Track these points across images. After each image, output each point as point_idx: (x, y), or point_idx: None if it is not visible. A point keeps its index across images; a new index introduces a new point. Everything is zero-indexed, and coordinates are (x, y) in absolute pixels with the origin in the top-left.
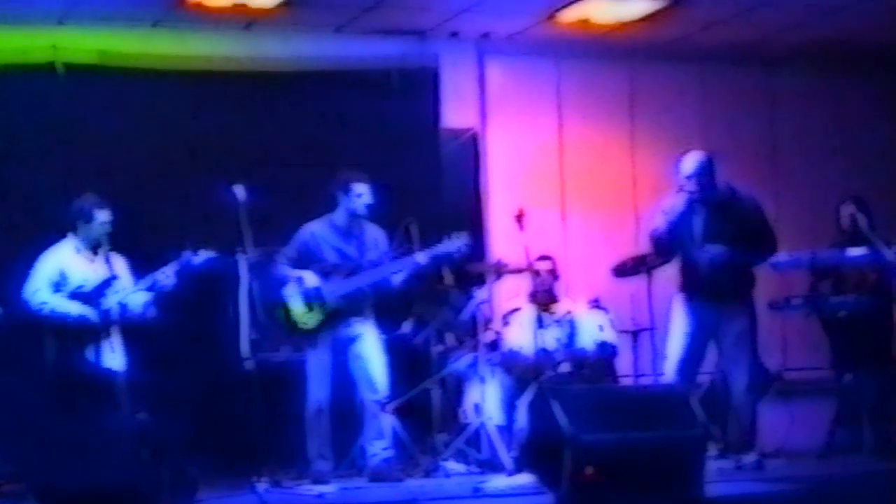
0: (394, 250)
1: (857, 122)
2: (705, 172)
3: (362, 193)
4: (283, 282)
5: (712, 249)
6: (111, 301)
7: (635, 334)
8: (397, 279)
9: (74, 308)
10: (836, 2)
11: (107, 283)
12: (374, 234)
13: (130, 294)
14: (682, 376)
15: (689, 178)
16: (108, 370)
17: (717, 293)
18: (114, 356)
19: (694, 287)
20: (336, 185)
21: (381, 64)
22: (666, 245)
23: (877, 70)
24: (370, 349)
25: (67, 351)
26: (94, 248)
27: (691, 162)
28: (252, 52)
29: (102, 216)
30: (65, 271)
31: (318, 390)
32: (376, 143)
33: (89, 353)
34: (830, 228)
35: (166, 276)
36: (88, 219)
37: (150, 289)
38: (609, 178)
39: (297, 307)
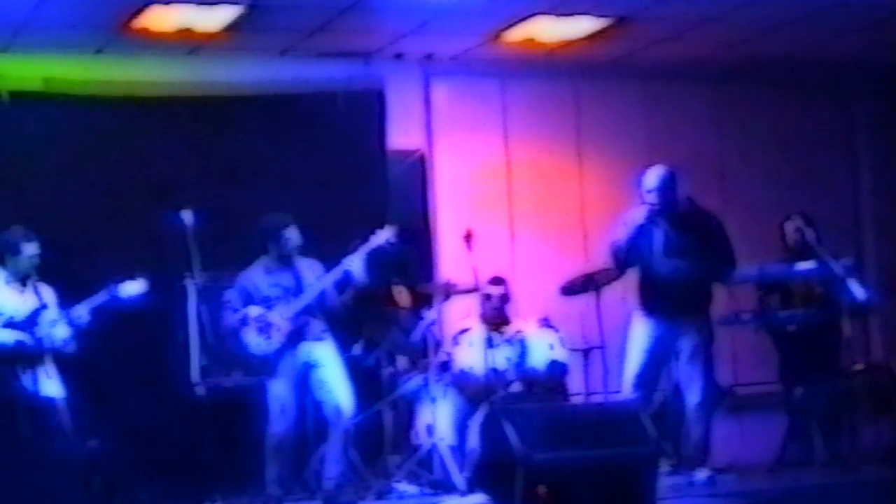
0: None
1: (802, 137)
2: (667, 186)
3: (290, 237)
4: (235, 327)
5: (672, 263)
6: (42, 331)
7: (586, 352)
8: (339, 291)
9: (8, 336)
10: (779, 20)
11: (37, 314)
12: (309, 266)
13: (54, 327)
14: (640, 392)
15: (650, 191)
16: (49, 398)
17: (675, 308)
18: (52, 384)
19: (653, 302)
20: (264, 231)
21: (326, 87)
22: (626, 258)
23: (821, 86)
24: (331, 374)
25: (4, 380)
26: (23, 279)
27: (654, 176)
28: (197, 76)
29: (30, 249)
30: None
31: (280, 419)
32: (323, 165)
33: (27, 382)
34: (777, 243)
35: (79, 314)
36: (15, 251)
37: (69, 324)
38: (557, 196)
39: (253, 338)
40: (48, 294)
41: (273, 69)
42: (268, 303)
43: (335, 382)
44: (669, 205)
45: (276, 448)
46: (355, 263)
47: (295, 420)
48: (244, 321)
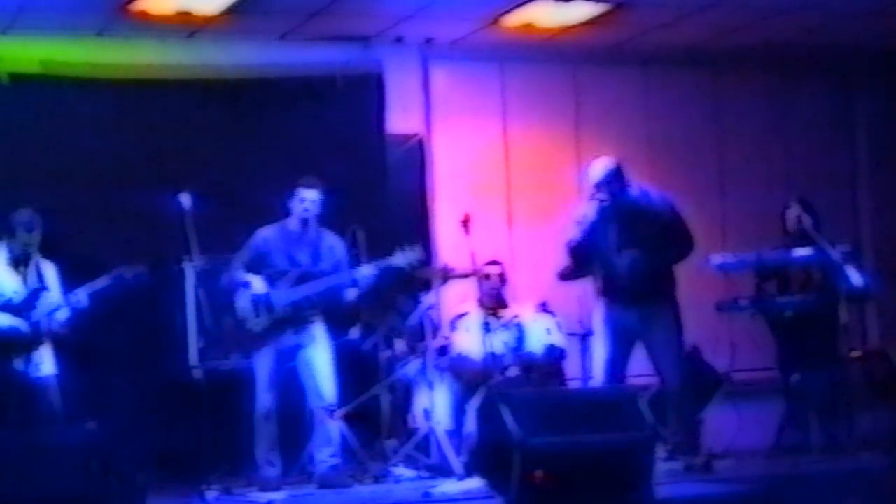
0: (349, 260)
1: (801, 123)
2: (614, 179)
3: (306, 199)
4: (232, 286)
5: (629, 255)
6: (40, 313)
7: (583, 337)
8: (350, 294)
9: (4, 319)
10: (778, 5)
11: (36, 295)
12: (331, 242)
13: (52, 309)
14: (609, 380)
15: (598, 185)
16: (45, 381)
17: (637, 297)
18: (48, 367)
19: (614, 293)
20: (286, 191)
21: (325, 70)
22: (582, 255)
23: (820, 71)
24: (318, 356)
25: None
26: (24, 260)
27: (599, 170)
28: (196, 60)
29: (31, 229)
30: None
31: (265, 395)
32: (321, 149)
33: (22, 365)
34: (776, 229)
35: (78, 298)
36: (17, 231)
37: (68, 307)
38: (555, 181)
39: (245, 311)
40: (50, 275)
41: (272, 52)
42: (274, 277)
43: (320, 365)
44: (618, 197)
45: (262, 424)
46: (368, 274)
47: (280, 398)
48: (244, 285)
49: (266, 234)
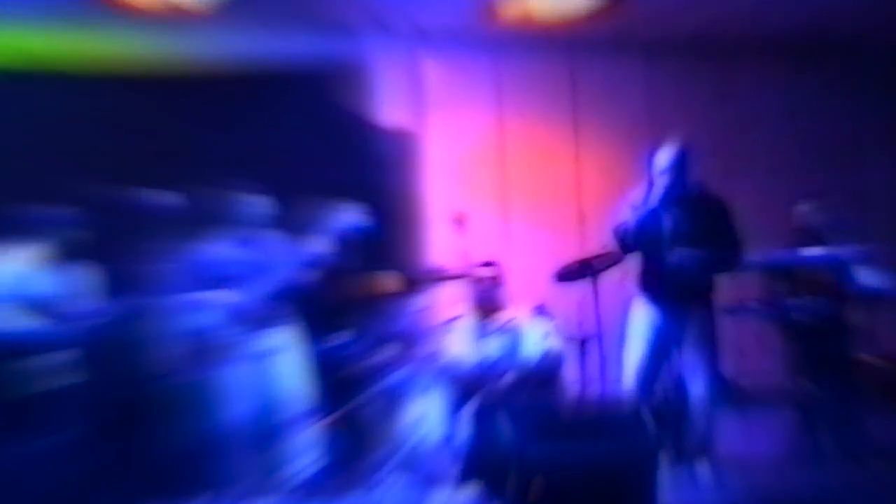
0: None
1: (810, 116)
2: (680, 167)
3: (256, 204)
4: (193, 302)
5: (680, 250)
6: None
7: (582, 342)
8: (310, 275)
9: (27, 321)
10: None
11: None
12: (281, 244)
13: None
14: (642, 383)
15: (663, 172)
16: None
17: (679, 296)
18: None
19: (656, 289)
20: (230, 199)
21: (313, 62)
22: (633, 242)
23: (829, 61)
24: (289, 361)
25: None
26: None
27: (667, 155)
28: (181, 51)
29: (69, 227)
30: None
31: (237, 404)
32: (309, 142)
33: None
34: (784, 228)
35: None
36: (53, 230)
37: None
38: (552, 178)
39: (210, 322)
40: (80, 278)
41: (258, 44)
42: (229, 282)
43: (292, 371)
44: (681, 187)
45: (235, 434)
46: (321, 244)
47: (256, 406)
48: (198, 303)
49: (210, 248)
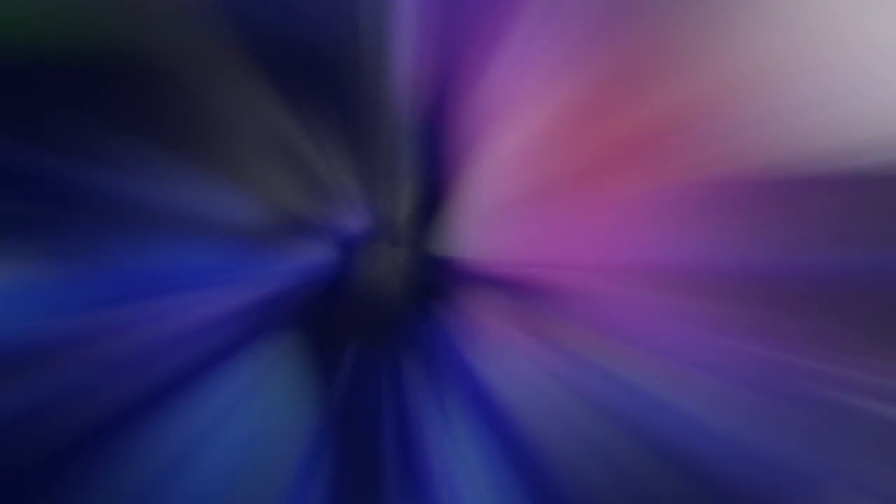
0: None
1: None
2: None
3: (238, 207)
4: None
5: None
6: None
7: None
8: (306, 284)
9: None
10: None
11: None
12: (269, 247)
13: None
14: None
15: None
16: None
17: None
18: None
19: None
20: (214, 199)
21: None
22: None
23: None
24: (286, 385)
25: None
26: None
27: None
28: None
29: None
30: None
31: (219, 447)
32: None
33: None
34: None
35: None
36: None
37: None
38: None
39: (182, 338)
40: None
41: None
42: (206, 289)
43: (287, 397)
44: None
45: (217, 487)
46: (320, 250)
47: (240, 448)
48: (166, 313)
49: (182, 248)
